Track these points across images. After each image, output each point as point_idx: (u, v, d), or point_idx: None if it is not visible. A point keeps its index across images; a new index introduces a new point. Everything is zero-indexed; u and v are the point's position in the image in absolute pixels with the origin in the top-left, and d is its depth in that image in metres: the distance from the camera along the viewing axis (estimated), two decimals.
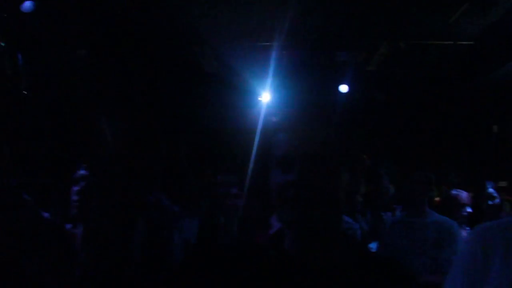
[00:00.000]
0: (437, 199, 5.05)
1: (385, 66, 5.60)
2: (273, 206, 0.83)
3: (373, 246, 2.82)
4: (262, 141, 0.89)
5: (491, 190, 3.12)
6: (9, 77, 4.05)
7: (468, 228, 3.08)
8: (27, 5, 3.74)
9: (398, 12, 4.76)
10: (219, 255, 0.85)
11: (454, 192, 3.52)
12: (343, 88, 6.04)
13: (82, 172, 1.94)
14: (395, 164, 6.55)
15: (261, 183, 0.85)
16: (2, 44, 4.04)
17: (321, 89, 6.67)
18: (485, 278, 0.86)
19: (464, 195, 3.41)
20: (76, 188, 1.95)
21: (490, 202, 4.05)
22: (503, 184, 5.54)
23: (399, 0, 4.53)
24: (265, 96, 6.35)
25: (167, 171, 3.80)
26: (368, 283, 0.80)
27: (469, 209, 3.28)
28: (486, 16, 4.29)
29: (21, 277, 1.10)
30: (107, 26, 4.90)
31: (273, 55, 5.31)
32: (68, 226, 1.97)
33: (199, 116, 7.31)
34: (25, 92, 4.27)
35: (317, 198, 0.78)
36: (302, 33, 5.09)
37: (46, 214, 1.78)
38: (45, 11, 3.99)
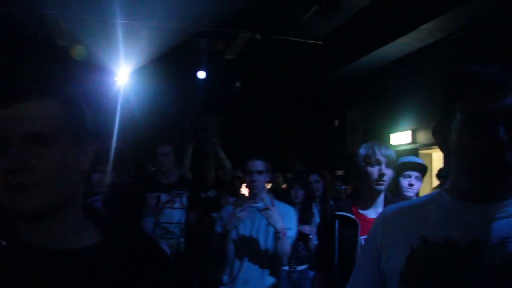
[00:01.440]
0: (284, 186, 5.39)
1: (242, 56, 5.78)
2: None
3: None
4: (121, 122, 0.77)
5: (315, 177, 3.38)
6: None
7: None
8: None
9: (256, 5, 4.94)
10: None
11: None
12: (201, 74, 6.09)
13: None
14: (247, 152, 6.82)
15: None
16: None
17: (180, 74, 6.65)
18: (385, 250, 0.96)
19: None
20: None
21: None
22: (339, 173, 6.12)
23: None
24: (122, 77, 6.09)
25: None
26: (108, 264, 0.75)
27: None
28: (332, 19, 4.67)
29: None
30: None
31: (130, 34, 5.12)
32: None
33: None
34: None
35: (39, 183, 0.68)
36: (163, 15, 5.00)
37: None
38: None
